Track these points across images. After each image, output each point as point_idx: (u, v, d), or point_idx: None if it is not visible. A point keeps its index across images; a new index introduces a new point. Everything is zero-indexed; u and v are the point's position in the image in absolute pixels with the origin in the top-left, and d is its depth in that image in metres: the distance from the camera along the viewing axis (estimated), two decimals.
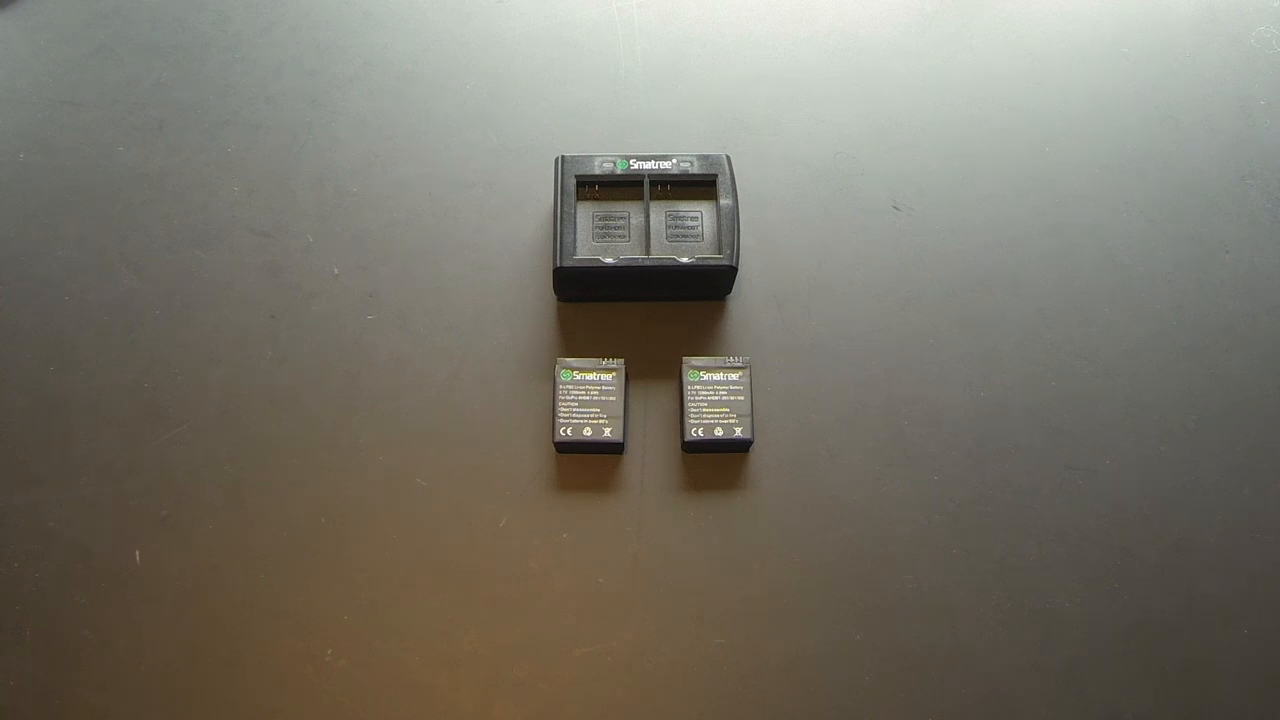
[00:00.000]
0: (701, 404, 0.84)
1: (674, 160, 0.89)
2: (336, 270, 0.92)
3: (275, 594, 0.80)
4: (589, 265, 0.85)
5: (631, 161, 0.89)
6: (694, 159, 0.89)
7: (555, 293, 0.90)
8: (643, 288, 0.89)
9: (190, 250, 0.93)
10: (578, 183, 0.88)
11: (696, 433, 0.83)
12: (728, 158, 0.89)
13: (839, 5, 1.07)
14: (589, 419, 0.83)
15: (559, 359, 0.86)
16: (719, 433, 0.83)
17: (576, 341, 0.89)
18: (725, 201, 0.88)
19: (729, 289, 0.89)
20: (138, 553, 0.81)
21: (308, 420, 0.86)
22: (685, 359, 0.85)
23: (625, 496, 0.84)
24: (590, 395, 0.84)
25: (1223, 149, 0.99)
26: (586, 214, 0.89)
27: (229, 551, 0.81)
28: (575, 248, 0.86)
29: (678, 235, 0.88)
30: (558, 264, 0.85)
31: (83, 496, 0.83)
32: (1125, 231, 0.95)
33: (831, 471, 0.85)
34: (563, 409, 0.83)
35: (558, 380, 0.84)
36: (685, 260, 0.85)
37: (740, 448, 0.85)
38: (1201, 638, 0.80)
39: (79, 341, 0.89)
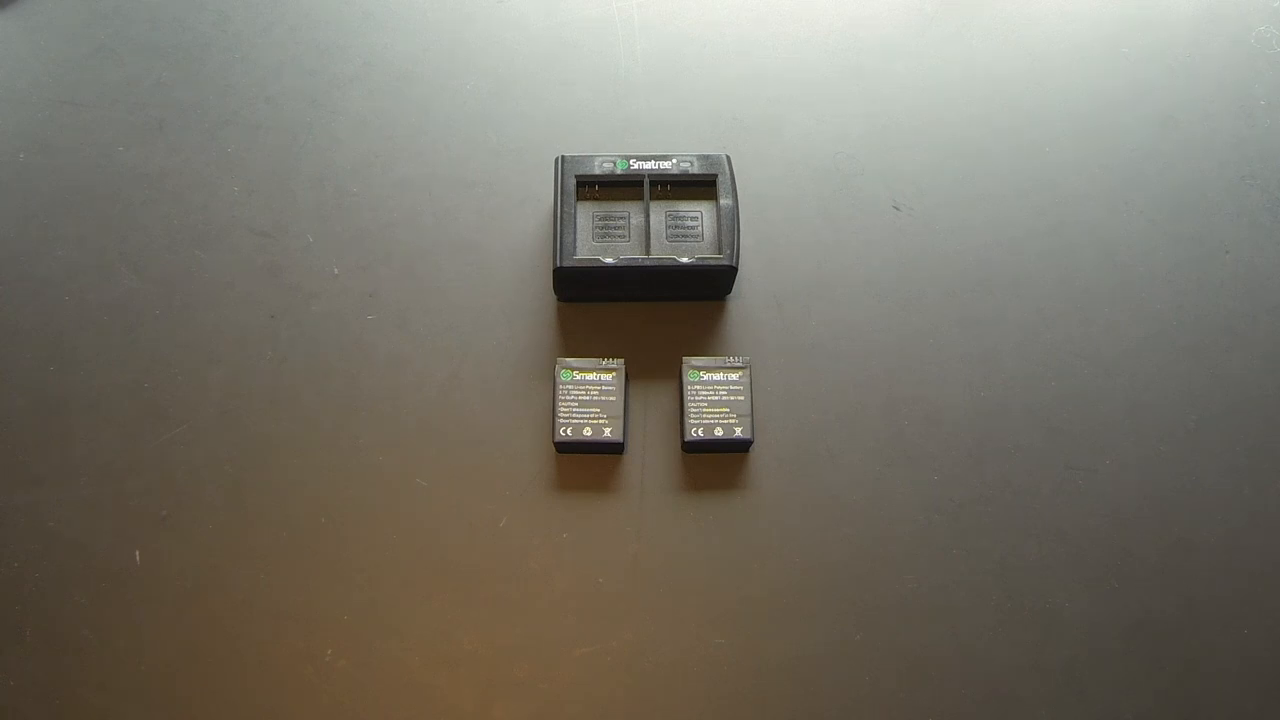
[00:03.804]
0: (701, 404, 0.84)
1: (674, 160, 0.89)
2: (336, 270, 0.92)
3: (275, 594, 0.80)
4: (589, 265, 0.85)
5: (631, 161, 0.89)
6: (694, 159, 0.89)
7: (555, 293, 0.90)
8: (643, 288, 0.89)
9: (190, 250, 0.93)
10: (578, 183, 0.88)
11: (696, 433, 0.83)
12: (728, 158, 0.89)
13: (839, 5, 1.07)
14: (589, 419, 0.83)
15: (559, 359, 0.86)
16: (719, 433, 0.83)
17: (576, 341, 0.89)
18: (725, 201, 0.88)
19: (729, 289, 0.89)
20: (138, 553, 0.81)
21: (308, 420, 0.86)
22: (685, 359, 0.85)
23: (625, 496, 0.84)
24: (590, 395, 0.84)
25: (1223, 149, 0.99)
26: (586, 214, 0.89)
27: (229, 551, 0.82)
28: (575, 248, 0.86)
29: (678, 235, 0.88)
30: (558, 264, 0.85)
31: (83, 496, 0.83)
32: (1125, 231, 0.95)
33: (831, 471, 0.85)
34: (563, 409, 0.83)
35: (558, 380, 0.84)
36: (685, 260, 0.85)
37: (740, 448, 0.85)
38: (1201, 638, 0.80)
39: (79, 341, 0.89)
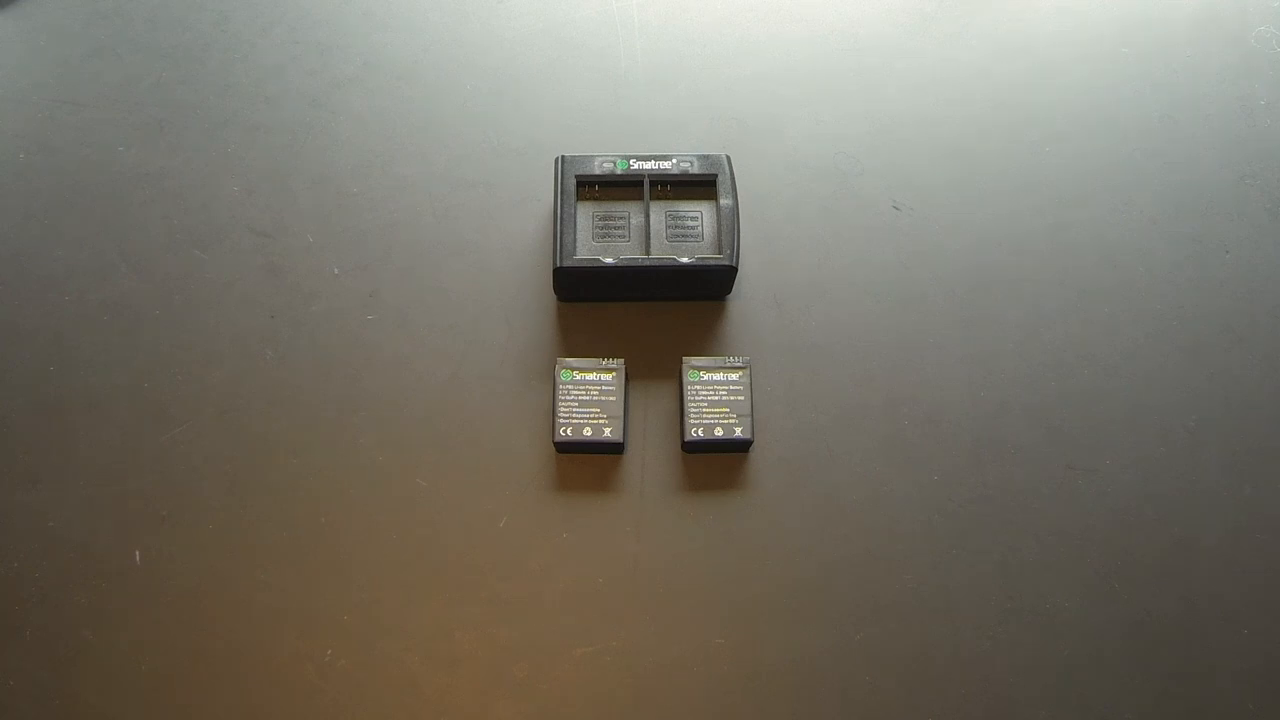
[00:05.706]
0: (701, 404, 0.84)
1: (674, 160, 0.89)
2: (336, 270, 0.92)
3: (275, 594, 0.80)
4: (589, 265, 0.85)
5: (631, 161, 0.89)
6: (694, 159, 0.89)
7: (555, 293, 0.90)
8: (643, 288, 0.89)
9: (190, 250, 0.93)
10: (578, 183, 0.88)
11: (696, 433, 0.83)
12: (728, 158, 0.89)
13: (839, 5, 1.07)
14: (589, 419, 0.83)
15: (559, 359, 0.86)
16: (719, 433, 0.83)
17: (576, 341, 0.89)
18: (725, 201, 0.88)
19: (729, 289, 0.89)
20: (138, 553, 0.81)
21: (308, 420, 0.86)
22: (685, 359, 0.85)
23: (625, 496, 0.84)
24: (590, 395, 0.84)
25: (1223, 149, 0.99)
26: (586, 214, 0.89)
27: (229, 551, 0.82)
28: (575, 248, 0.86)
29: (678, 235, 0.88)
30: (558, 264, 0.85)
31: (83, 496, 0.83)
32: (1125, 231, 0.95)
33: (831, 471, 0.85)
34: (563, 409, 0.83)
35: (558, 380, 0.84)
36: (685, 260, 0.85)
37: (740, 448, 0.85)
38: (1201, 638, 0.80)
39: (79, 341, 0.89)
